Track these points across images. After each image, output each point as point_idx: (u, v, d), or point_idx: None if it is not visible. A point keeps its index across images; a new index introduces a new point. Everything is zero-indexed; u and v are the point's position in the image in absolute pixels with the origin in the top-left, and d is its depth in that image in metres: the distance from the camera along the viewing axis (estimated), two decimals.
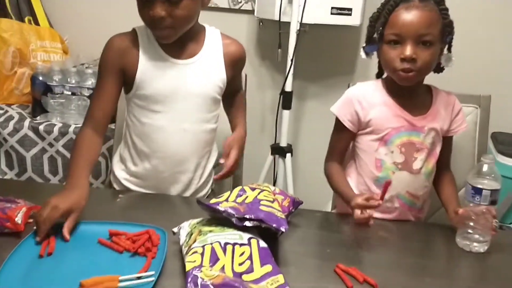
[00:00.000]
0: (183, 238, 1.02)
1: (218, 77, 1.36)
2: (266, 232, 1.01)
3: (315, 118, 2.37)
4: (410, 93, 1.29)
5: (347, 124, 1.31)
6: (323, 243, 1.17)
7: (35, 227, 1.05)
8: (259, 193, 1.09)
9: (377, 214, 1.25)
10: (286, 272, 0.93)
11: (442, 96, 1.34)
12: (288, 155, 2.12)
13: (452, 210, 1.24)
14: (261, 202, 1.05)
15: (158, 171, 1.37)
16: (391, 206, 1.32)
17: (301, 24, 1.98)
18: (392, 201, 1.31)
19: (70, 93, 1.95)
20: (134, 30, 1.33)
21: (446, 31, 1.26)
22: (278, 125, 2.17)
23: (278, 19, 2.00)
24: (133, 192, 1.38)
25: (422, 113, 1.30)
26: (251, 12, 2.23)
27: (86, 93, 1.94)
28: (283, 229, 0.98)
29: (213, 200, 1.06)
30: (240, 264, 0.90)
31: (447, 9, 1.25)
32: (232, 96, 1.51)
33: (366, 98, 1.30)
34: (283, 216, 1.02)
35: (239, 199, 1.06)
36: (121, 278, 0.89)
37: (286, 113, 2.10)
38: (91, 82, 1.94)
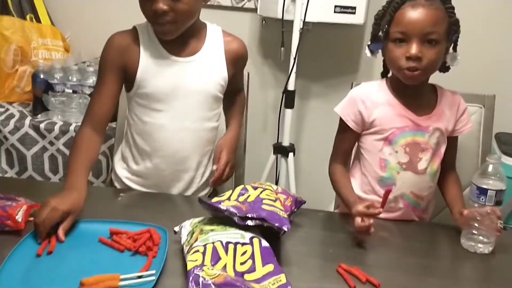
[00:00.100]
0: (184, 237, 1.01)
1: (220, 74, 1.35)
2: (268, 231, 1.00)
3: (318, 117, 2.36)
4: (415, 93, 1.28)
5: (351, 124, 1.30)
6: (326, 243, 1.16)
7: None
8: (261, 192, 1.09)
9: (381, 214, 1.23)
10: (289, 272, 0.92)
11: (447, 95, 1.33)
12: (291, 154, 2.11)
13: (457, 210, 1.23)
14: (263, 201, 1.04)
15: (159, 170, 1.36)
16: (395, 206, 1.30)
17: (304, 23, 1.97)
18: (397, 201, 1.30)
19: (71, 91, 1.94)
20: (134, 28, 1.32)
21: (452, 29, 1.24)
22: (281, 124, 2.16)
23: (281, 17, 1.99)
24: (134, 191, 1.38)
25: (427, 113, 1.29)
26: (254, 10, 2.22)
27: (88, 91, 1.93)
28: (285, 229, 0.97)
29: (215, 199, 1.05)
30: (242, 264, 0.89)
31: (453, 8, 1.23)
32: (232, 95, 1.50)
33: (370, 98, 1.29)
34: (285, 215, 1.01)
35: (241, 198, 1.06)
36: (122, 277, 0.89)
37: (288, 112, 2.09)
38: (92, 80, 1.93)
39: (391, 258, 1.10)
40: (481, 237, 1.14)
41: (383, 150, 1.29)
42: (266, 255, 0.92)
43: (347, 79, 2.17)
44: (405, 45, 1.21)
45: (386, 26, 1.24)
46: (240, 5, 2.26)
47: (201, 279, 0.81)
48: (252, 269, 0.88)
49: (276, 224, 0.97)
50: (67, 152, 1.90)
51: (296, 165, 2.15)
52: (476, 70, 2.10)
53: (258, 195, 1.07)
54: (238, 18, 2.28)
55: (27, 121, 1.89)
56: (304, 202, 1.24)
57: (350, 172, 1.39)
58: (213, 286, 0.80)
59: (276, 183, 2.17)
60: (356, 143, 1.37)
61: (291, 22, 1.99)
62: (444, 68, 1.33)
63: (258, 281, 0.86)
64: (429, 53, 1.20)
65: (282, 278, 0.87)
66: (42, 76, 1.93)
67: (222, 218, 1.01)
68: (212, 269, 0.85)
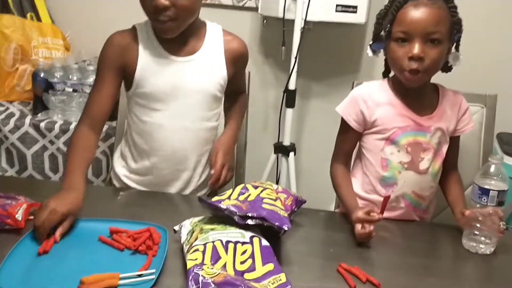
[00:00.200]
0: (184, 236, 1.01)
1: (219, 74, 1.34)
2: (268, 230, 1.00)
3: (319, 117, 2.35)
4: (417, 93, 1.28)
5: (353, 124, 1.30)
6: (326, 243, 1.16)
7: None
8: (261, 191, 1.08)
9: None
10: (289, 271, 0.92)
11: (449, 95, 1.33)
12: (291, 154, 2.10)
13: (459, 211, 1.23)
14: (264, 200, 1.04)
15: (158, 169, 1.36)
16: (396, 205, 1.30)
17: (305, 22, 1.96)
18: (398, 201, 1.30)
19: (71, 90, 1.93)
20: (134, 27, 1.32)
21: (454, 29, 1.24)
22: (282, 123, 2.15)
23: (282, 16, 1.98)
24: (134, 190, 1.38)
25: (428, 113, 1.28)
26: (255, 9, 2.21)
27: (88, 90, 1.92)
28: (285, 228, 0.96)
29: (215, 198, 1.05)
30: (242, 263, 0.89)
31: (455, 7, 1.23)
32: (233, 96, 1.49)
33: (371, 97, 1.29)
34: (285, 215, 1.01)
35: (242, 197, 1.05)
36: (121, 276, 0.88)
37: (289, 111, 2.08)
38: (92, 79, 1.92)
39: (391, 258, 1.10)
40: (482, 238, 1.13)
41: (384, 149, 1.28)
42: (266, 254, 0.92)
43: (348, 78, 2.16)
44: (408, 44, 1.20)
45: (388, 25, 1.23)
46: (241, 4, 2.25)
47: (201, 278, 0.81)
48: (252, 268, 0.88)
49: (276, 224, 0.96)
50: None
51: (296, 164, 2.14)
52: (478, 69, 2.10)
53: (259, 194, 1.06)
54: (239, 17, 2.27)
55: (27, 120, 1.89)
56: (305, 202, 1.24)
57: (352, 172, 1.38)
58: (212, 285, 0.79)
59: (277, 183, 2.17)
60: (358, 143, 1.36)
61: (292, 21, 1.98)
62: (447, 68, 1.32)
63: (258, 280, 0.86)
64: (432, 53, 1.19)
65: (282, 277, 0.87)
66: (42, 75, 1.93)
67: (222, 217, 1.01)
68: (212, 268, 0.85)
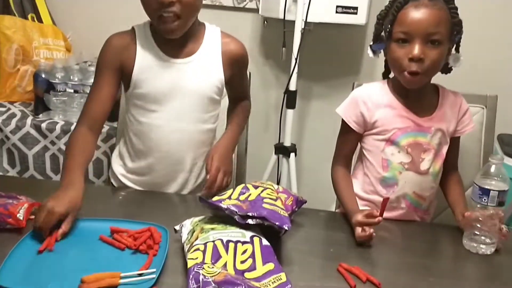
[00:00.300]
0: (185, 236, 1.01)
1: (216, 76, 1.34)
2: (269, 230, 1.00)
3: (320, 118, 2.36)
4: (417, 94, 1.28)
5: (353, 125, 1.30)
6: (327, 243, 1.16)
7: None
8: (262, 191, 1.09)
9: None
10: (289, 271, 0.92)
11: (449, 96, 1.33)
12: (292, 154, 2.11)
13: (459, 212, 1.23)
14: (264, 200, 1.04)
15: (154, 169, 1.36)
16: (397, 206, 1.30)
17: (306, 23, 1.96)
18: (399, 201, 1.30)
19: (72, 90, 1.94)
20: (132, 29, 1.32)
21: (454, 30, 1.24)
22: (282, 124, 2.15)
23: (282, 17, 1.99)
24: (135, 190, 1.38)
25: (428, 113, 1.28)
26: (256, 10, 2.22)
27: (89, 91, 1.93)
28: (286, 227, 0.97)
29: (215, 198, 1.05)
30: (242, 262, 0.89)
31: (456, 8, 1.23)
32: (236, 102, 1.50)
33: (371, 99, 1.29)
34: (286, 214, 1.01)
35: (242, 197, 1.06)
36: (122, 275, 0.89)
37: (290, 112, 2.09)
38: None
39: (392, 258, 1.10)
40: (483, 238, 1.13)
41: (385, 150, 1.28)
42: (267, 253, 0.92)
43: (348, 79, 2.16)
44: (408, 45, 1.20)
45: (389, 26, 1.23)
46: (241, 5, 2.26)
47: (201, 277, 0.81)
48: (252, 268, 0.88)
49: (277, 223, 0.97)
50: None
51: (297, 165, 2.14)
52: (479, 70, 2.10)
53: (259, 194, 1.07)
54: (240, 18, 2.28)
55: (29, 120, 1.89)
56: (305, 202, 1.24)
57: (353, 173, 1.39)
58: (213, 284, 0.80)
59: (278, 183, 2.16)
60: (358, 144, 1.36)
61: (292, 22, 1.98)
62: (446, 69, 1.33)
63: (258, 279, 0.86)
64: (432, 54, 1.19)
65: (282, 276, 0.87)
66: (43, 75, 1.93)
67: (222, 217, 1.01)
68: (213, 267, 0.85)
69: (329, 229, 1.23)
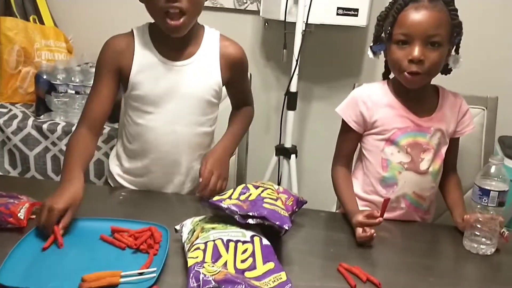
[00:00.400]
0: (185, 235, 1.01)
1: (213, 79, 1.33)
2: (269, 230, 1.00)
3: (320, 119, 2.36)
4: (417, 95, 1.28)
5: (353, 125, 1.30)
6: (327, 243, 1.16)
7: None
8: (262, 191, 1.09)
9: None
10: (290, 270, 0.93)
11: (449, 97, 1.33)
12: (293, 156, 2.11)
13: (458, 214, 1.24)
14: (265, 200, 1.04)
15: (149, 171, 1.36)
16: (397, 206, 1.30)
17: (307, 25, 1.97)
18: (398, 201, 1.30)
19: (74, 92, 1.94)
20: (132, 31, 1.33)
21: (454, 32, 1.24)
22: (283, 126, 2.16)
23: (283, 19, 1.99)
24: (136, 190, 1.38)
25: (428, 114, 1.29)
26: (257, 12, 2.22)
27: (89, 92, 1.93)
28: (286, 227, 0.97)
29: (216, 198, 1.06)
30: (243, 261, 0.89)
31: (456, 10, 1.23)
32: (237, 109, 1.49)
33: (371, 98, 1.29)
34: (286, 214, 1.01)
35: (242, 197, 1.06)
36: (123, 273, 0.89)
37: (291, 114, 2.09)
38: None
39: (392, 258, 1.10)
40: (483, 239, 1.13)
41: (384, 150, 1.29)
42: (267, 253, 0.92)
43: (349, 81, 2.16)
44: (408, 47, 1.21)
45: (389, 27, 1.24)
46: (242, 7, 2.26)
47: (201, 276, 0.81)
48: (252, 267, 0.89)
49: (277, 223, 0.97)
50: None
51: (298, 167, 2.14)
52: (479, 72, 2.10)
53: (259, 194, 1.07)
54: (241, 20, 2.28)
55: (30, 121, 1.90)
56: (306, 202, 1.24)
57: (353, 173, 1.39)
58: (213, 283, 0.80)
59: (278, 185, 2.16)
60: (358, 145, 1.36)
61: (293, 24, 1.99)
62: (446, 70, 1.33)
63: (258, 278, 0.86)
64: (432, 56, 1.20)
65: (282, 275, 0.87)
66: (45, 76, 1.93)
67: (223, 217, 1.01)
68: (213, 266, 0.85)
69: (329, 230, 1.23)
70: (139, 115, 1.33)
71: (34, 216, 1.09)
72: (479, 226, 1.13)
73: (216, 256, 0.89)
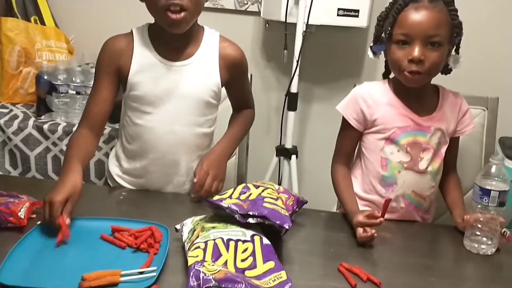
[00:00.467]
0: (185, 234, 1.01)
1: (212, 80, 1.33)
2: (269, 229, 1.00)
3: (321, 120, 2.36)
4: (417, 94, 1.28)
5: (353, 122, 1.30)
6: (327, 243, 1.16)
7: (38, 222, 1.06)
8: (263, 191, 1.09)
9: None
10: (290, 270, 0.92)
11: (449, 96, 1.33)
12: (293, 157, 2.11)
13: (458, 213, 1.24)
14: (265, 200, 1.04)
15: (148, 171, 1.36)
16: (396, 205, 1.30)
17: (307, 26, 1.97)
18: (398, 201, 1.30)
19: (74, 92, 1.94)
20: (131, 31, 1.33)
21: (454, 32, 1.25)
22: (284, 126, 2.16)
23: (284, 20, 1.99)
24: (136, 190, 1.38)
25: (428, 113, 1.29)
26: (257, 13, 2.23)
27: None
28: (286, 226, 0.97)
29: (216, 197, 1.06)
30: (243, 260, 0.89)
31: (456, 10, 1.24)
32: (237, 111, 1.49)
33: (372, 97, 1.29)
34: (287, 214, 1.01)
35: (243, 196, 1.06)
36: (123, 272, 0.89)
37: (291, 114, 2.09)
38: None
39: (392, 258, 1.10)
40: (484, 238, 1.13)
41: (384, 149, 1.29)
42: (267, 252, 0.92)
43: (350, 82, 2.15)
44: (408, 47, 1.21)
45: (389, 27, 1.24)
46: (243, 8, 2.26)
47: (201, 275, 0.81)
48: (253, 266, 0.89)
49: (278, 222, 0.97)
50: None
51: (298, 167, 2.14)
52: (480, 72, 2.10)
53: (260, 194, 1.07)
54: (242, 21, 2.28)
55: (31, 122, 1.90)
56: (306, 202, 1.24)
57: (352, 172, 1.39)
58: (213, 282, 0.80)
59: (279, 185, 2.17)
60: (358, 143, 1.36)
61: (294, 25, 1.99)
62: (447, 70, 1.33)
63: (258, 277, 0.86)
64: (432, 56, 1.20)
65: (282, 275, 0.87)
66: (45, 77, 1.93)
67: (223, 216, 1.01)
68: (213, 265, 0.85)
69: (329, 229, 1.23)
70: (138, 116, 1.32)
71: (34, 216, 1.10)
72: (479, 226, 1.13)
73: (217, 255, 0.89)
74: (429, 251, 1.16)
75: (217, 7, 2.25)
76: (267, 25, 2.25)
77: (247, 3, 2.25)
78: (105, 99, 1.31)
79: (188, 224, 1.03)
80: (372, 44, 1.35)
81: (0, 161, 1.90)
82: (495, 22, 2.17)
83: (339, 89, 2.30)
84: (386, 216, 1.18)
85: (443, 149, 1.31)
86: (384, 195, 1.29)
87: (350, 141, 1.35)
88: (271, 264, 0.89)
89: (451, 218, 1.29)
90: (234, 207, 0.99)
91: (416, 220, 1.34)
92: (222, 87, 1.37)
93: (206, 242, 0.91)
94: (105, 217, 1.09)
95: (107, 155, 1.90)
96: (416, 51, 1.19)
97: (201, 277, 0.80)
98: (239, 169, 1.69)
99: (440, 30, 1.20)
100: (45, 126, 1.89)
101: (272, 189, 1.12)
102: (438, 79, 1.33)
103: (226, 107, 1.51)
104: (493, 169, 1.13)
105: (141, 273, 0.89)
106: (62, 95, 1.94)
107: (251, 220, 0.98)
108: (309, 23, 1.96)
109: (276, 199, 1.06)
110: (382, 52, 1.32)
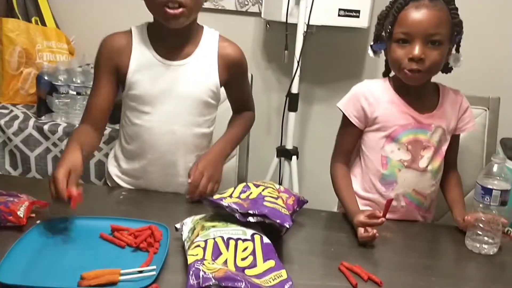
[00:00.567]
0: (185, 233, 1.01)
1: (210, 80, 1.32)
2: (269, 229, 1.00)
3: (322, 121, 2.36)
4: (418, 92, 1.28)
5: (354, 120, 1.30)
6: (328, 242, 1.16)
7: (38, 221, 1.06)
8: (263, 190, 1.09)
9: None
10: (290, 269, 0.92)
11: (449, 94, 1.33)
12: (294, 157, 2.10)
13: (458, 213, 1.24)
14: (265, 198, 1.04)
15: (147, 172, 1.36)
16: (397, 204, 1.30)
17: (308, 26, 1.97)
18: (398, 200, 1.29)
19: (75, 93, 1.94)
20: (130, 30, 1.32)
21: (455, 30, 1.24)
22: (284, 127, 2.15)
23: (285, 20, 1.99)
24: (136, 189, 1.37)
25: (429, 111, 1.29)
26: (258, 14, 2.23)
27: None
28: (287, 225, 0.96)
29: (216, 196, 1.05)
30: (243, 259, 0.89)
31: (456, 9, 1.24)
32: (237, 113, 1.49)
33: (373, 94, 1.29)
34: (287, 213, 1.01)
35: (243, 195, 1.05)
36: (122, 271, 0.88)
37: (292, 115, 2.08)
38: None
39: (393, 258, 1.09)
40: (486, 238, 1.13)
41: (385, 147, 1.28)
42: (267, 251, 0.92)
43: (350, 82, 2.12)
44: (408, 46, 1.21)
45: (390, 26, 1.24)
46: (244, 9, 2.26)
47: (201, 273, 0.80)
48: (253, 265, 0.88)
49: (278, 221, 0.96)
50: None
51: (299, 168, 2.14)
52: (481, 72, 2.10)
53: (260, 193, 1.07)
54: (242, 22, 2.28)
55: (31, 122, 1.89)
56: (306, 202, 1.24)
57: (351, 170, 1.38)
58: (213, 280, 0.79)
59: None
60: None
61: (295, 26, 1.99)
62: (447, 69, 1.33)
63: (259, 276, 0.86)
64: (432, 55, 1.20)
65: (283, 273, 0.87)
66: (46, 77, 1.93)
67: (223, 215, 1.01)
68: (213, 264, 0.84)
69: (330, 229, 1.23)
70: (136, 116, 1.32)
71: (33, 215, 1.09)
72: (481, 225, 1.12)
73: (216, 253, 0.88)
74: (430, 251, 1.16)
75: (218, 8, 2.24)
76: (267, 25, 2.24)
77: (247, 4, 2.25)
78: (105, 96, 1.30)
79: (188, 223, 1.03)
80: (372, 43, 1.34)
81: (0, 162, 1.90)
82: (497, 21, 2.16)
83: (340, 89, 2.27)
84: (387, 215, 1.18)
85: (444, 147, 1.31)
86: (384, 194, 1.28)
87: (350, 139, 1.34)
88: (271, 263, 0.88)
89: (452, 219, 1.28)
90: (234, 206, 0.98)
91: (417, 220, 1.33)
92: (221, 87, 1.36)
93: (206, 241, 0.91)
94: (104, 217, 1.09)
95: (107, 155, 1.89)
96: (417, 50, 1.19)
97: (200, 276, 0.80)
98: (239, 170, 1.69)
99: (441, 28, 1.20)
100: (46, 127, 1.88)
101: (273, 189, 1.11)
102: (439, 79, 1.33)
103: (226, 108, 1.51)
104: (495, 168, 1.12)
105: (140, 272, 0.89)
106: (62, 95, 1.94)
107: (251, 219, 0.97)
108: (310, 23, 1.96)
109: (277, 198, 1.05)
110: (383, 51, 1.32)
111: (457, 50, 1.30)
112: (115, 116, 1.42)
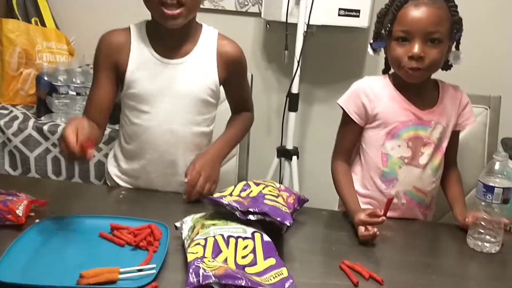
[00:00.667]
0: (185, 232, 1.00)
1: (210, 78, 1.32)
2: (270, 227, 0.99)
3: (322, 121, 2.35)
4: (418, 89, 1.28)
5: (354, 117, 1.29)
6: (329, 241, 1.15)
7: (36, 220, 1.06)
8: (263, 188, 1.08)
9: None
10: (291, 268, 0.91)
11: (449, 90, 1.33)
12: (294, 158, 2.10)
13: (458, 211, 1.24)
14: (266, 197, 1.03)
15: (146, 172, 1.35)
16: (398, 202, 1.29)
17: (308, 26, 1.96)
18: (399, 197, 1.29)
19: (75, 93, 1.94)
20: (129, 27, 1.32)
21: (454, 28, 1.24)
22: (284, 127, 2.15)
23: (285, 20, 1.99)
24: (135, 189, 1.37)
25: (429, 107, 1.28)
26: (258, 14, 2.22)
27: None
28: (287, 223, 0.96)
29: (217, 194, 1.05)
30: (243, 257, 0.88)
31: (456, 6, 1.23)
32: (236, 113, 1.48)
33: (373, 91, 1.29)
34: (288, 211, 1.00)
35: (243, 194, 1.05)
36: (121, 270, 0.88)
37: (292, 115, 2.08)
38: None
39: (394, 256, 1.09)
40: (487, 236, 1.12)
41: (385, 144, 1.28)
42: (268, 249, 0.91)
43: (351, 82, 2.14)
44: (408, 44, 1.20)
45: (389, 24, 1.24)
46: (244, 9, 2.26)
47: (201, 271, 0.80)
48: (253, 263, 0.88)
49: (278, 219, 0.96)
50: None
51: (299, 168, 2.13)
52: (482, 70, 2.10)
53: (261, 191, 1.06)
54: (242, 22, 2.28)
55: (31, 123, 1.89)
56: (307, 200, 1.23)
57: (352, 168, 1.37)
58: (213, 278, 0.78)
59: None
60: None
61: (295, 26, 1.98)
62: (447, 66, 1.33)
63: (259, 274, 0.85)
64: (432, 53, 1.20)
65: (283, 271, 0.86)
66: (46, 78, 1.93)
67: (224, 213, 1.00)
68: (213, 262, 0.84)
69: (331, 228, 1.22)
70: (135, 115, 1.31)
71: (32, 214, 1.09)
72: (483, 223, 1.12)
73: (217, 251, 0.88)
74: (431, 249, 1.15)
75: (218, 8, 2.24)
76: (267, 26, 2.24)
77: (247, 4, 2.25)
78: (105, 92, 1.30)
79: (188, 222, 1.02)
80: (371, 41, 1.34)
81: (0, 162, 1.90)
82: (497, 18, 2.16)
83: (340, 89, 2.25)
84: (388, 213, 1.17)
85: (444, 144, 1.30)
86: (385, 191, 1.28)
87: (351, 136, 1.34)
88: (271, 261, 0.88)
89: (453, 217, 1.28)
90: (234, 204, 0.98)
91: (417, 218, 1.33)
92: (220, 85, 1.35)
93: (206, 239, 0.90)
94: (104, 215, 1.08)
95: (107, 156, 1.88)
96: (416, 48, 1.18)
97: (200, 273, 0.79)
98: (239, 170, 1.68)
99: (440, 26, 1.19)
100: (45, 127, 1.88)
101: (273, 187, 1.11)
102: (439, 77, 1.32)
103: (226, 108, 1.50)
104: (497, 166, 1.12)
105: (140, 270, 0.88)
106: (62, 96, 1.93)
107: (251, 217, 0.97)
108: (310, 23, 1.95)
109: (277, 197, 1.05)
110: (382, 49, 1.32)
111: (457, 48, 1.30)
112: (115, 116, 1.42)
